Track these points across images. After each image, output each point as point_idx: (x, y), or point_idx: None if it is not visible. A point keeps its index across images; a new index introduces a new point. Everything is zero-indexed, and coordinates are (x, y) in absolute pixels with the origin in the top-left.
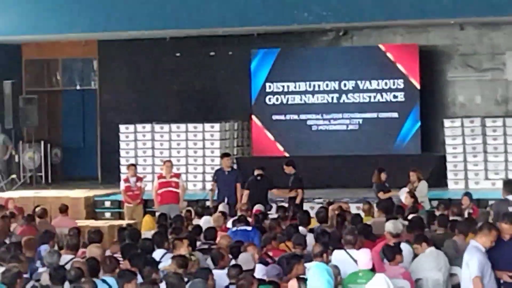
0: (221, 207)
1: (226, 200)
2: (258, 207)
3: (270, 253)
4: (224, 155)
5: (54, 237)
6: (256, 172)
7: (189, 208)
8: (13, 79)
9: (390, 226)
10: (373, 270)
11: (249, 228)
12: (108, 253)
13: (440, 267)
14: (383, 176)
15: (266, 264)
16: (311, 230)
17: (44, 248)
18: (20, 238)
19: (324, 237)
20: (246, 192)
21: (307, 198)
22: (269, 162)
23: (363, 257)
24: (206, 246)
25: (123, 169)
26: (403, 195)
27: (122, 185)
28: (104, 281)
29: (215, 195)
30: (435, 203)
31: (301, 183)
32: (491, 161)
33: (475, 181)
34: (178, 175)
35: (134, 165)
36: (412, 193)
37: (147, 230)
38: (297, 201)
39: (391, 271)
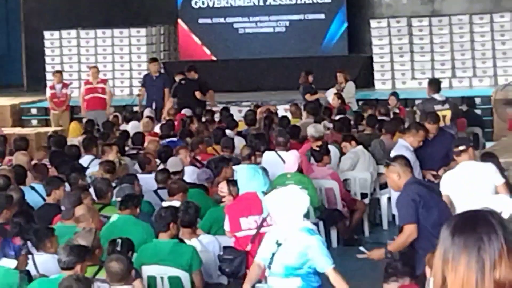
0: (147, 112)
1: (154, 105)
2: (184, 111)
3: (199, 157)
4: (151, 60)
5: None
6: (177, 78)
7: (117, 113)
8: None
9: (311, 129)
10: (300, 171)
11: (175, 139)
12: (35, 161)
13: (367, 167)
14: (310, 78)
15: (196, 168)
16: (238, 133)
17: None
18: None
19: (252, 140)
20: (171, 100)
21: (235, 102)
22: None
23: (291, 158)
24: (134, 152)
25: (49, 76)
26: (330, 96)
27: (48, 92)
28: (32, 188)
29: (143, 100)
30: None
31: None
32: (418, 60)
33: (402, 80)
34: (104, 81)
35: (60, 72)
36: (339, 94)
37: (74, 136)
38: (212, 103)
39: (319, 172)
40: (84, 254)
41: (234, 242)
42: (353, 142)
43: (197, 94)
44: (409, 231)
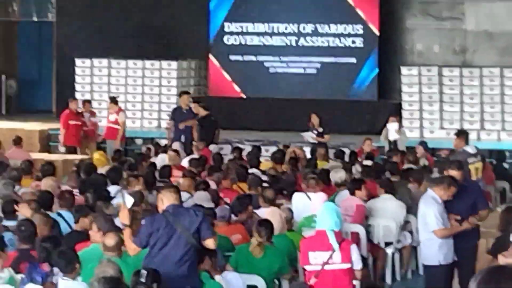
0: (175, 145)
1: (183, 138)
2: (212, 148)
3: (222, 194)
4: (182, 93)
5: (7, 168)
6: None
7: (149, 146)
8: None
9: (335, 176)
10: None
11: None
12: (66, 187)
13: (393, 215)
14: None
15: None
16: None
17: None
18: None
19: (277, 182)
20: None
21: (261, 140)
22: (225, 103)
23: (319, 200)
24: (161, 184)
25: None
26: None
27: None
28: (59, 214)
29: (172, 133)
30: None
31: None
32: (447, 110)
33: (430, 129)
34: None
35: (89, 101)
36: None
37: (99, 166)
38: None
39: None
40: (117, 286)
41: (304, 275)
42: (381, 190)
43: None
44: None
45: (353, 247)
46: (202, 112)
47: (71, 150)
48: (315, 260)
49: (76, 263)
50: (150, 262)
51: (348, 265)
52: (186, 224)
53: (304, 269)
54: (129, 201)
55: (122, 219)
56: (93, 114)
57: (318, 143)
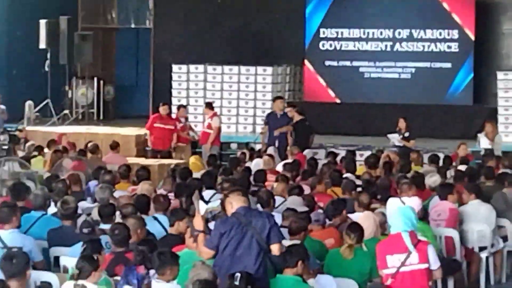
0: (270, 150)
1: (277, 143)
2: (306, 152)
3: (316, 198)
4: (276, 98)
5: (105, 172)
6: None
7: (244, 151)
8: (69, 14)
9: (429, 180)
10: (421, 219)
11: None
12: (161, 191)
13: (485, 219)
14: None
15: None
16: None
17: (94, 184)
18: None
19: (371, 187)
20: (291, 139)
21: (356, 145)
22: (320, 108)
23: (413, 205)
24: (255, 189)
25: (174, 109)
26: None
27: (177, 125)
28: (155, 218)
29: (266, 138)
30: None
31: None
32: None
33: None
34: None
35: (185, 106)
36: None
37: (195, 171)
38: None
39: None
40: None
41: (382, 279)
42: (472, 195)
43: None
44: None
45: (430, 248)
46: (297, 117)
47: (158, 153)
48: (393, 263)
49: (172, 266)
50: (222, 264)
51: (425, 265)
52: (258, 226)
53: (383, 273)
54: (203, 207)
55: (197, 226)
56: (187, 119)
57: (404, 147)
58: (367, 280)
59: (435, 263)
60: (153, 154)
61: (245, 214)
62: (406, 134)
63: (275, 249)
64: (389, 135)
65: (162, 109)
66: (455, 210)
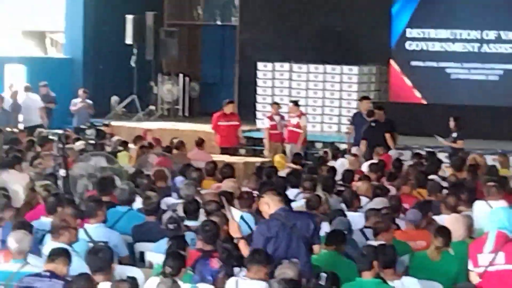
0: (354, 150)
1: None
2: (391, 153)
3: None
4: (363, 98)
5: (191, 169)
6: (369, 119)
7: (326, 150)
8: (155, 10)
9: None
10: None
11: None
12: (245, 188)
13: None
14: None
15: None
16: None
17: (180, 180)
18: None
19: (457, 189)
20: (363, 142)
21: (441, 147)
22: (405, 108)
23: None
24: (341, 189)
25: (258, 106)
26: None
27: (267, 122)
28: (241, 217)
29: (351, 138)
30: None
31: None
32: None
33: None
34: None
35: (278, 104)
36: None
37: (280, 169)
38: (392, 146)
39: None
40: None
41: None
42: None
43: (388, 136)
44: None
45: None
46: (382, 117)
47: (225, 151)
48: (482, 262)
49: (262, 265)
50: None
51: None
52: (304, 227)
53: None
54: (236, 214)
55: (233, 233)
56: (282, 117)
57: (451, 147)
58: (453, 284)
59: None
60: (224, 153)
61: (286, 216)
62: (454, 135)
63: (317, 249)
64: (437, 136)
65: (226, 108)
66: None
